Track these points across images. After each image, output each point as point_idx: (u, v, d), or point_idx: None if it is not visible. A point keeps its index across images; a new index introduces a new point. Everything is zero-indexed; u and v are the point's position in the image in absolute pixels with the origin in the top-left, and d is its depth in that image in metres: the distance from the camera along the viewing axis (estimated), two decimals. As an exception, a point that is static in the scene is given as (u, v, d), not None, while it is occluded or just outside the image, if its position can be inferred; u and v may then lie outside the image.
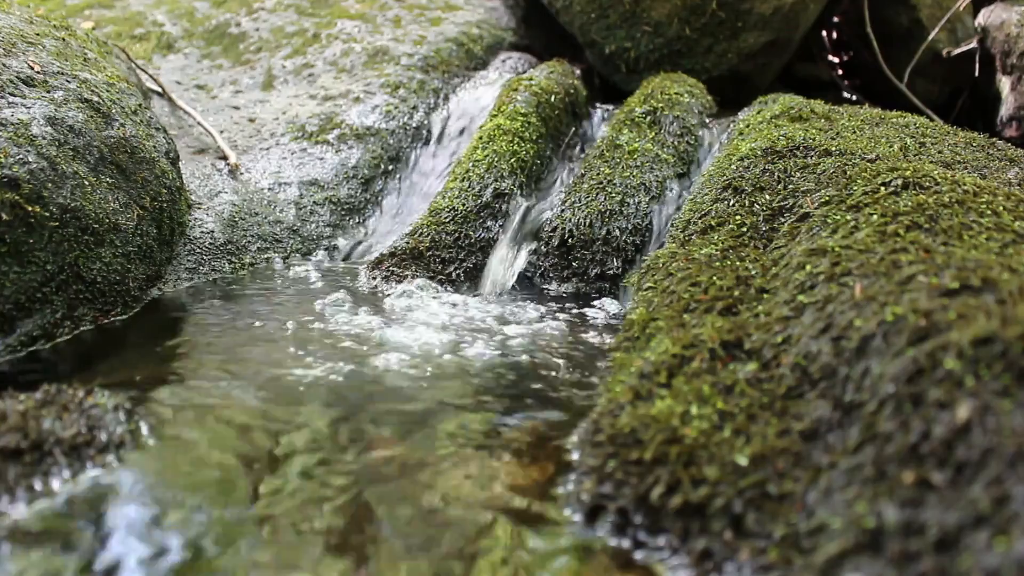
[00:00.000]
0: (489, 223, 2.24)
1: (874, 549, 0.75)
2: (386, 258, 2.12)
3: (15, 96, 1.66)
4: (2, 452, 0.97)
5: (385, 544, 0.92)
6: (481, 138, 2.47)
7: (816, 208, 1.48)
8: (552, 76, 2.77)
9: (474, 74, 3.13)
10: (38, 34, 1.96)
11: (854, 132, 2.06)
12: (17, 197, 1.47)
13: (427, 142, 2.79)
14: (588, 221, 2.12)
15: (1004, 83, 2.94)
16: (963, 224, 1.22)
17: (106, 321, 1.68)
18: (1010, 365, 0.81)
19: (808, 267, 1.24)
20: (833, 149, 1.83)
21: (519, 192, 2.34)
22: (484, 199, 2.26)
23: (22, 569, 0.84)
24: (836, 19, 3.78)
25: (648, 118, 2.50)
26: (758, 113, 2.37)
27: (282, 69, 3.11)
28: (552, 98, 2.66)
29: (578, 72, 3.05)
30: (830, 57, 3.91)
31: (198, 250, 2.09)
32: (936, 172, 1.43)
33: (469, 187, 2.29)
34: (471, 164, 2.37)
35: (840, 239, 1.28)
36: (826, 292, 1.14)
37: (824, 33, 3.86)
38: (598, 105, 3.02)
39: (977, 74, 3.25)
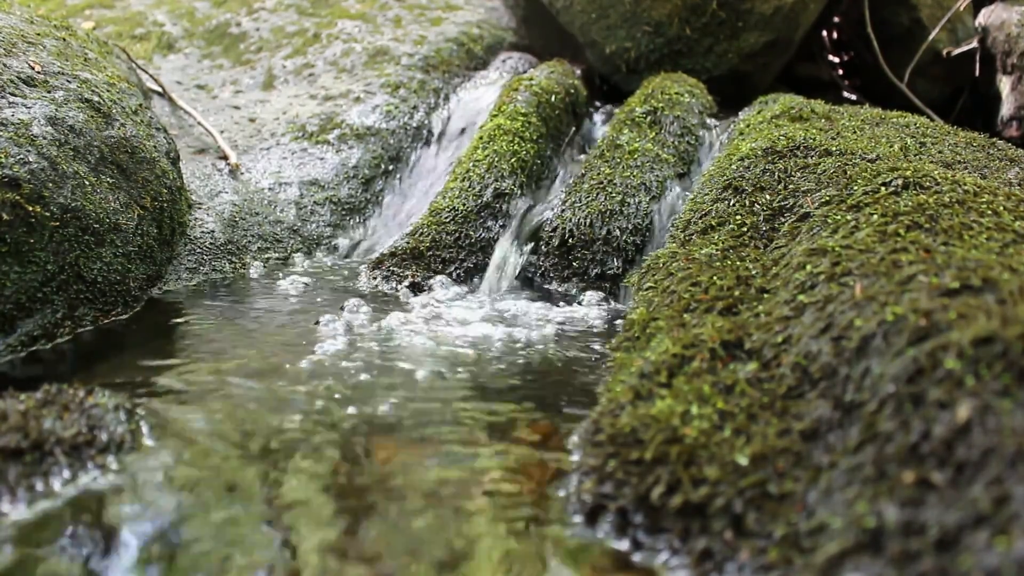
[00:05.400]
0: (489, 223, 2.24)
1: (874, 549, 0.75)
2: (386, 258, 2.12)
3: (16, 96, 1.66)
4: (3, 452, 0.97)
5: (387, 543, 0.92)
6: (481, 138, 2.47)
7: (816, 208, 1.48)
8: (552, 76, 2.77)
9: (474, 74, 3.13)
10: (39, 34, 1.96)
11: (854, 132, 2.06)
12: (18, 197, 1.47)
13: (428, 142, 2.79)
14: (588, 221, 2.12)
15: (1004, 83, 2.94)
16: (963, 224, 1.22)
17: (106, 321, 1.68)
18: (1010, 365, 0.81)
19: (808, 267, 1.24)
20: (833, 149, 1.83)
21: (519, 192, 2.34)
22: (484, 199, 2.26)
23: (22, 570, 0.84)
24: (836, 19, 3.78)
25: (648, 118, 2.49)
26: (758, 113, 2.37)
27: (282, 69, 3.11)
28: (552, 98, 2.66)
29: (578, 72, 3.05)
30: (830, 57, 3.91)
31: (199, 250, 2.10)
32: (936, 172, 1.43)
33: (469, 187, 2.29)
34: (471, 164, 2.37)
35: (840, 239, 1.28)
36: (826, 292, 1.14)
37: (824, 33, 3.86)
38: (598, 105, 3.02)
39: (977, 74, 3.25)
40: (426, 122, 2.83)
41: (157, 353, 1.53)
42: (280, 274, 2.16)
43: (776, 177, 1.75)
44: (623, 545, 0.92)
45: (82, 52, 2.04)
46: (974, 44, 3.25)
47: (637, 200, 2.17)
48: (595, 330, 1.78)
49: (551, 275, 2.10)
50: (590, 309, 1.92)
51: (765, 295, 1.31)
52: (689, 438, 0.98)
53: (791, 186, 1.68)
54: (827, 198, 1.48)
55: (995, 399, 0.79)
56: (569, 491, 1.03)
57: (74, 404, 1.11)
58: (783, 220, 1.58)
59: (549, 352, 1.61)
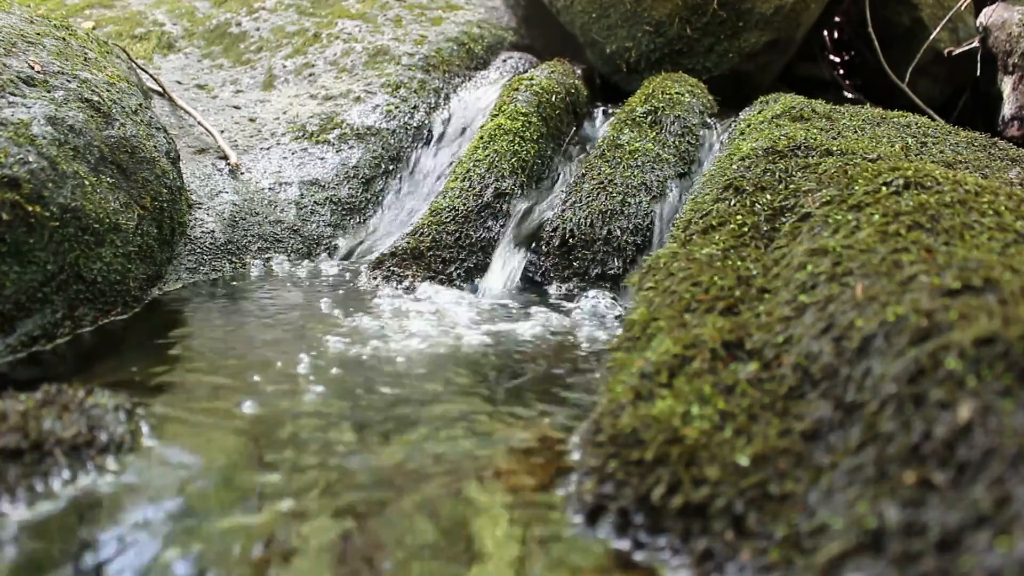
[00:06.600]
0: (490, 223, 2.24)
1: (875, 549, 0.75)
2: (387, 258, 2.12)
3: (15, 96, 1.66)
4: (2, 452, 0.97)
5: (387, 545, 0.92)
6: (482, 138, 2.47)
7: (817, 208, 1.48)
8: (553, 76, 2.77)
9: (475, 74, 3.13)
10: (38, 34, 1.96)
11: (855, 132, 2.05)
12: (17, 197, 1.47)
13: (428, 142, 2.79)
14: (589, 221, 2.12)
15: (1006, 83, 2.93)
16: (965, 224, 1.22)
17: (106, 321, 1.68)
18: (1012, 365, 0.80)
19: (809, 267, 1.24)
20: (834, 149, 1.83)
21: (520, 192, 2.34)
22: (485, 199, 2.26)
23: (22, 571, 0.84)
24: (837, 19, 3.78)
25: (649, 118, 2.49)
26: (759, 113, 2.36)
27: (283, 69, 3.11)
28: (553, 98, 2.66)
29: (579, 72, 3.05)
30: (831, 56, 3.91)
31: (198, 250, 2.09)
32: (938, 172, 1.43)
33: (470, 187, 2.29)
34: (472, 164, 2.37)
35: (841, 239, 1.27)
36: (827, 292, 1.14)
37: (825, 32, 3.86)
38: (599, 105, 3.01)
39: (979, 74, 3.25)
40: (426, 122, 2.83)
41: (157, 353, 1.53)
42: (280, 274, 2.15)
43: (777, 177, 1.74)
44: (624, 545, 0.92)
45: (82, 52, 2.04)
46: (975, 44, 3.24)
47: (638, 200, 2.17)
48: (596, 330, 1.78)
49: (551, 275, 2.10)
50: (590, 309, 1.92)
51: (766, 295, 1.30)
52: (690, 438, 0.98)
53: (792, 186, 1.68)
54: (828, 198, 1.48)
55: (996, 399, 0.78)
56: (570, 491, 1.03)
57: (74, 404, 1.11)
58: (784, 220, 1.58)
59: (549, 352, 1.61)
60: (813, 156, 1.81)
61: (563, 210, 2.17)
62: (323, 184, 2.50)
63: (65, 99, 1.75)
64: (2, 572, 0.83)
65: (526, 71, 3.01)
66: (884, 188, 1.39)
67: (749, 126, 2.27)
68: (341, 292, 1.99)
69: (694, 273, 1.43)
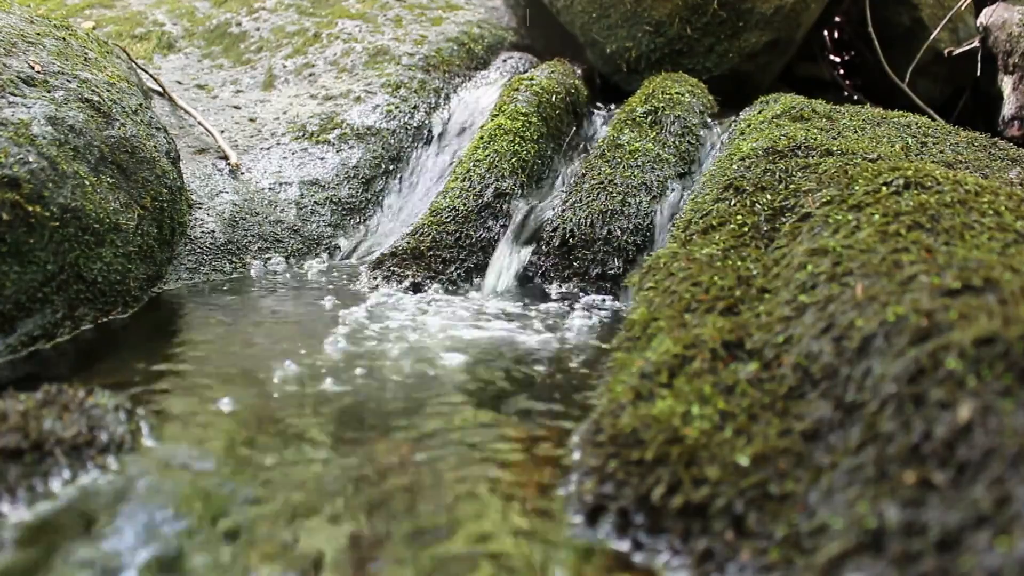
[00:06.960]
0: (490, 223, 2.24)
1: (876, 549, 0.75)
2: (387, 258, 2.12)
3: (16, 96, 1.66)
4: (2, 452, 0.97)
5: (386, 545, 0.92)
6: (482, 138, 2.47)
7: (817, 208, 1.48)
8: (553, 76, 2.77)
9: (475, 74, 3.13)
10: (39, 34, 1.96)
11: (855, 132, 2.05)
12: (18, 197, 1.47)
13: (428, 142, 2.79)
14: (589, 221, 2.12)
15: (1006, 83, 2.93)
16: (965, 224, 1.22)
17: (107, 321, 1.68)
18: (1012, 365, 0.80)
19: (809, 267, 1.24)
20: (835, 149, 1.83)
21: (520, 192, 2.34)
22: (485, 199, 2.26)
23: (21, 571, 0.84)
24: (837, 19, 3.78)
25: (649, 118, 2.49)
26: (759, 113, 2.36)
27: (283, 69, 3.11)
28: (553, 98, 2.66)
29: (579, 72, 3.05)
30: (832, 56, 3.91)
31: (199, 250, 2.09)
32: (938, 172, 1.43)
33: (470, 187, 2.29)
34: (472, 164, 2.37)
35: (841, 239, 1.27)
36: (827, 292, 1.14)
37: (825, 32, 3.86)
38: (599, 105, 3.01)
39: (979, 74, 3.25)
40: (427, 122, 2.83)
41: (157, 353, 1.53)
42: (280, 274, 2.15)
43: (777, 177, 1.74)
44: (624, 545, 0.92)
45: (82, 52, 2.04)
46: (975, 44, 3.24)
47: (638, 200, 2.17)
48: (596, 330, 1.78)
49: (551, 275, 2.10)
50: (590, 309, 1.92)
51: (766, 295, 1.30)
52: (690, 438, 0.98)
53: (792, 186, 1.68)
54: (828, 198, 1.48)
55: (996, 399, 0.78)
56: (569, 491, 1.03)
57: (74, 404, 1.11)
58: (784, 220, 1.58)
59: (549, 352, 1.61)
60: (813, 156, 1.81)
61: (563, 210, 2.17)
62: (323, 184, 2.50)
63: (65, 99, 1.75)
64: (2, 572, 0.83)
65: (526, 71, 3.01)
66: (884, 188, 1.39)
67: (749, 126, 2.27)
68: (341, 292, 1.99)
69: (694, 273, 1.43)
